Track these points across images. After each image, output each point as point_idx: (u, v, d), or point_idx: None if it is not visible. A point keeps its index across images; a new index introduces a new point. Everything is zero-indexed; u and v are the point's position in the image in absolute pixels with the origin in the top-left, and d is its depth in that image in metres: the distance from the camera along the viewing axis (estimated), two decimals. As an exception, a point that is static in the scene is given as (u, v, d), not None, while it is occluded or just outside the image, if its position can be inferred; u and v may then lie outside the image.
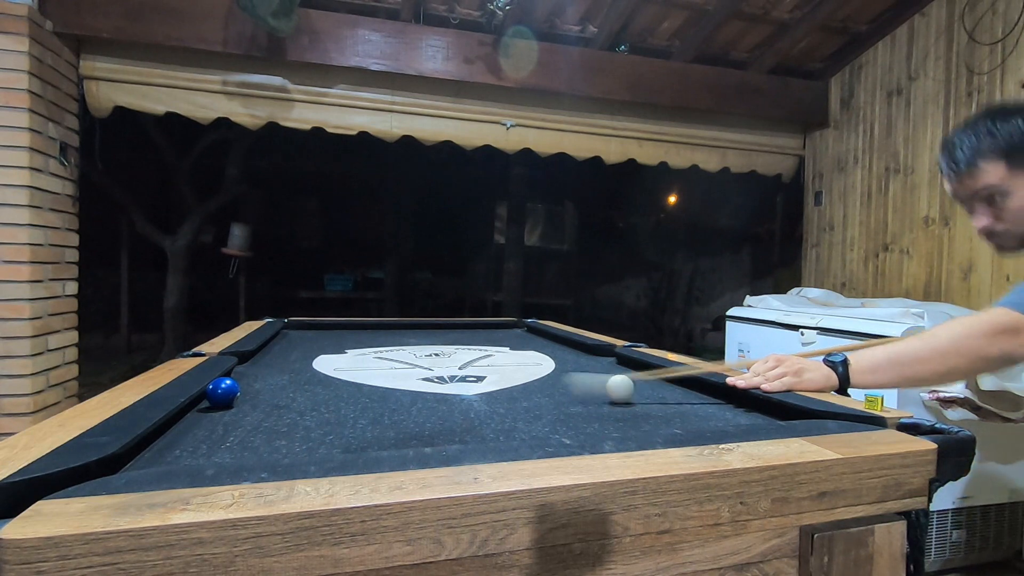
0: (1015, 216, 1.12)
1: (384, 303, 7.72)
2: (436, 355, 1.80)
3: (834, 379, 1.12)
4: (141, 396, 1.01)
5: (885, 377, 1.11)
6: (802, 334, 2.63)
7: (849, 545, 0.73)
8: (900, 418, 0.92)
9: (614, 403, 1.16)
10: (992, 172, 1.11)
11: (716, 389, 1.27)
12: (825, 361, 1.15)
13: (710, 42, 3.61)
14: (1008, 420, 2.12)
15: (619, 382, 1.17)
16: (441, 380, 1.40)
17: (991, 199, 1.14)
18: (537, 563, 0.62)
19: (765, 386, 1.11)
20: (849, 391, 1.13)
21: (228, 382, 1.09)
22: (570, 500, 0.63)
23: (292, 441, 0.89)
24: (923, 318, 2.23)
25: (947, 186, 1.22)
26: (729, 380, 1.19)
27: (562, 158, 3.80)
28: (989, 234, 1.18)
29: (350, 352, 1.84)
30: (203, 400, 1.09)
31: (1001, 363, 1.09)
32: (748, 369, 1.19)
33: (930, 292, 3.23)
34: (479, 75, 3.34)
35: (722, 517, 0.69)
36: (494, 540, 0.61)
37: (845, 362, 1.12)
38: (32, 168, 2.54)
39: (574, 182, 7.27)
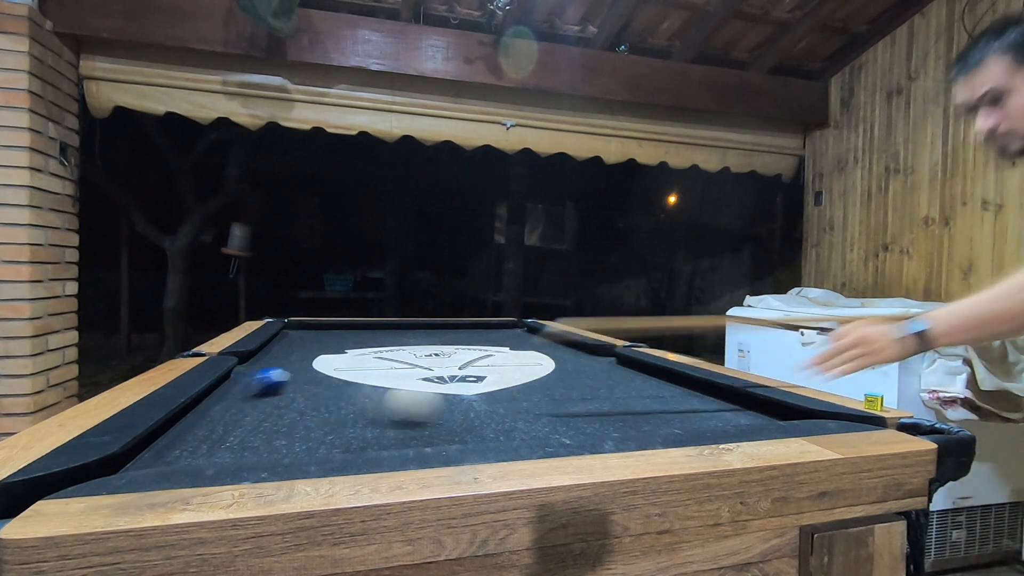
0: (1017, 115, 1.15)
1: (384, 303, 7.72)
2: (436, 355, 1.80)
3: (911, 348, 1.08)
4: (141, 396, 1.01)
5: (965, 338, 1.11)
6: (802, 334, 2.63)
7: (849, 545, 0.73)
8: (900, 418, 0.92)
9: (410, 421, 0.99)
10: (996, 67, 1.14)
11: (716, 389, 1.27)
12: (901, 332, 1.09)
13: (710, 42, 3.61)
14: (1008, 420, 2.12)
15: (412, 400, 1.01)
16: (441, 380, 1.40)
17: (995, 99, 1.16)
18: (537, 563, 0.62)
19: (838, 370, 1.11)
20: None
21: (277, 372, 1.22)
22: (570, 500, 0.63)
23: (292, 441, 0.89)
24: (923, 318, 2.22)
25: (957, 94, 1.23)
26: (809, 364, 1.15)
27: (562, 158, 3.80)
28: (991, 136, 1.19)
29: (350, 352, 1.84)
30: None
31: None
32: (823, 333, 1.18)
33: (930, 292, 3.23)
34: (479, 75, 3.34)
35: (722, 517, 0.69)
36: (494, 540, 0.61)
37: (923, 333, 1.07)
38: (32, 168, 2.54)
39: (574, 182, 7.27)
